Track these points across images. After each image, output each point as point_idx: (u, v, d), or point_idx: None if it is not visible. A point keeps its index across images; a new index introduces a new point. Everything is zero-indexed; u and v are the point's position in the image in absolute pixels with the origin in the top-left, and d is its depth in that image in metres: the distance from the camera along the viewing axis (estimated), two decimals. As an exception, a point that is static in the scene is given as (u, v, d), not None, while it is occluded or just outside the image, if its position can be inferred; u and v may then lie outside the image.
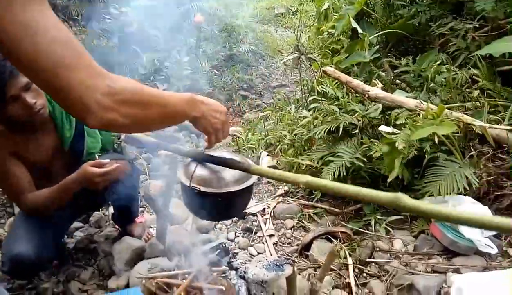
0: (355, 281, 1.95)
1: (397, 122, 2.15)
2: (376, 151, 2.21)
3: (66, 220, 2.09)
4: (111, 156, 1.94)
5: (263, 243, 2.36)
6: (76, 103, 0.79)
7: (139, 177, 2.22)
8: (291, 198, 2.70)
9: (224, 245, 2.05)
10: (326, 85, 2.71)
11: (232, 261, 2.00)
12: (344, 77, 2.54)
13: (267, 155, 3.09)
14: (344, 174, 2.24)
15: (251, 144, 3.32)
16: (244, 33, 6.06)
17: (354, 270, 2.00)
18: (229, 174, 1.40)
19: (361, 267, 1.99)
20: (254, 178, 1.45)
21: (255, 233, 2.45)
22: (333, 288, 1.95)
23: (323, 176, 2.30)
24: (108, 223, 2.78)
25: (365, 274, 1.98)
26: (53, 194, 1.81)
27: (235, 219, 2.61)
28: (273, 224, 2.50)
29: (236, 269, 1.96)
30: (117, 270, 2.03)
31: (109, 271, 2.18)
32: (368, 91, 2.31)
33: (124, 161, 1.95)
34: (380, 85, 2.34)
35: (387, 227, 2.18)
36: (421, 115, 2.06)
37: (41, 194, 1.82)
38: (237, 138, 3.62)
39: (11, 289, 2.14)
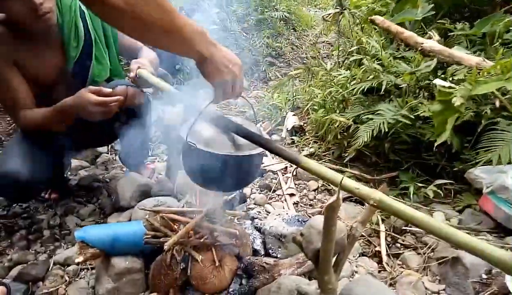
0: (387, 250, 1.69)
1: (455, 78, 1.85)
2: (424, 111, 1.92)
3: (65, 148, 1.88)
4: (121, 82, 1.71)
5: (282, 201, 2.11)
6: None
7: (151, 112, 1.99)
8: (317, 160, 2.43)
9: (241, 191, 1.81)
10: (371, 39, 2.40)
11: (249, 210, 1.76)
12: (394, 27, 2.24)
13: (293, 115, 2.83)
14: (385, 132, 1.96)
15: (277, 102, 3.05)
16: (277, 1, 5.74)
17: (386, 239, 1.74)
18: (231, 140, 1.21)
19: (395, 235, 1.73)
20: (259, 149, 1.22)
21: (274, 190, 2.21)
22: (360, 255, 1.70)
23: (359, 135, 2.03)
24: (115, 165, 2.59)
25: (398, 244, 1.72)
26: (49, 114, 1.62)
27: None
28: (295, 184, 2.24)
29: (252, 219, 1.72)
30: (120, 206, 1.82)
31: (111, 210, 1.98)
32: (422, 43, 2.00)
33: (135, 89, 1.72)
34: (437, 37, 2.03)
35: (427, 196, 1.90)
36: (484, 73, 1.76)
37: (37, 112, 1.65)
38: (261, 99, 3.36)
39: (5, 216, 1.97)
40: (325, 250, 0.98)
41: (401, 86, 2.23)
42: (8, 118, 2.87)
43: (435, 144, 1.82)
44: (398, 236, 1.72)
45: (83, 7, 1.71)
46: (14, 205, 2.05)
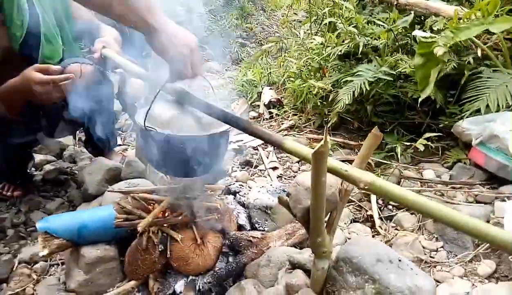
0: (379, 213, 1.60)
1: (434, 29, 1.77)
2: (405, 68, 1.83)
3: (21, 137, 1.71)
4: (74, 60, 1.55)
5: (265, 176, 2.00)
6: None
7: (113, 91, 1.83)
8: (298, 132, 2.33)
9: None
10: (342, 3, 2.29)
11: (230, 185, 1.63)
12: (368, -17, 2.14)
13: (270, 89, 2.71)
14: (366, 94, 1.86)
15: (251, 78, 2.92)
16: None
17: (377, 202, 1.65)
18: (197, 116, 1.12)
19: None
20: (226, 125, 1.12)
21: (256, 166, 2.09)
22: (351, 222, 1.61)
23: (339, 99, 1.92)
24: (83, 157, 2.41)
25: (390, 206, 1.64)
26: None
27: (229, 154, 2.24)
28: (277, 158, 2.13)
29: (234, 194, 1.60)
30: (88, 194, 1.66)
31: (80, 201, 1.82)
32: (398, -3, 1.91)
33: (90, 66, 1.56)
34: (412, -10, 1.94)
35: (415, 156, 1.82)
36: (465, 19, 1.68)
37: None
38: (235, 79, 3.22)
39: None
40: (315, 208, 0.87)
41: (379, 46, 2.14)
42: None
43: (419, 100, 1.74)
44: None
45: None
46: (-28, 206, 1.86)
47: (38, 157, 2.31)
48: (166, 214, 1.29)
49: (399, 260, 0.97)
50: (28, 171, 2.09)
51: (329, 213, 0.97)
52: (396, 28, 1.99)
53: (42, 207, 1.86)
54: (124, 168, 1.66)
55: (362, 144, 1.99)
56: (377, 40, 2.18)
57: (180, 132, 1.09)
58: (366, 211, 1.63)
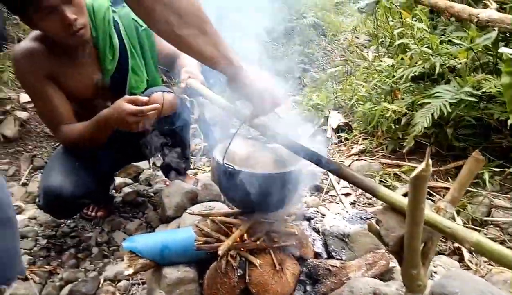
0: (467, 245, 1.47)
1: (524, 47, 1.64)
2: (490, 87, 1.71)
3: (107, 162, 1.84)
4: (156, 89, 1.66)
5: (337, 202, 1.94)
6: None
7: (190, 119, 1.92)
8: (369, 157, 2.25)
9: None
10: (414, 23, 2.22)
11: (304, 210, 1.61)
12: (443, 2, 2.05)
13: (337, 112, 2.67)
14: (445, 117, 1.76)
15: (317, 103, 2.90)
16: (305, 9, 5.67)
17: (464, 232, 1.52)
18: (272, 154, 1.19)
19: (476, 228, 1.51)
20: (301, 163, 1.18)
21: (327, 192, 2.05)
22: (436, 254, 1.49)
23: (416, 122, 1.83)
24: (158, 180, 2.54)
25: (480, 238, 1.50)
26: (87, 128, 1.58)
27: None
28: (349, 183, 2.07)
29: (309, 219, 1.57)
30: (167, 216, 1.73)
31: (157, 223, 1.91)
32: (478, 14, 1.80)
33: (171, 95, 1.65)
34: (495, 5, 1.83)
35: (504, 184, 1.67)
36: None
37: (76, 127, 1.62)
38: (300, 104, 3.23)
39: (54, 236, 1.94)
40: (411, 236, 0.81)
41: (456, 67, 2.03)
42: (53, 143, 2.92)
43: (509, 122, 1.61)
44: (480, 229, 1.50)
45: (117, 19, 1.68)
46: (62, 225, 2.02)
47: (117, 180, 2.47)
48: (244, 239, 1.29)
49: (506, 299, 0.87)
50: (110, 193, 2.23)
51: (424, 243, 0.91)
52: (476, 46, 1.88)
53: (122, 227, 1.97)
54: (200, 191, 1.71)
55: (441, 170, 1.88)
56: (453, 60, 2.08)
57: (257, 169, 1.12)
58: (452, 243, 1.50)
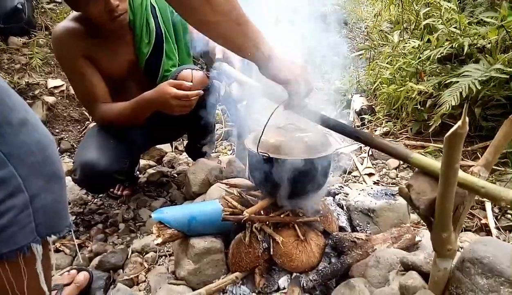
0: (496, 223, 1.45)
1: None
2: (522, 65, 1.66)
3: (141, 142, 1.88)
4: (186, 67, 1.67)
5: (360, 182, 1.94)
6: None
7: (217, 101, 1.93)
8: (394, 139, 2.23)
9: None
10: (442, 3, 2.17)
11: (329, 186, 1.61)
12: (473, -21, 2.00)
13: (360, 96, 2.64)
14: (473, 95, 1.72)
15: (339, 88, 2.88)
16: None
17: (492, 210, 1.50)
18: (302, 143, 1.19)
19: (504, 205, 1.48)
20: (333, 147, 1.26)
21: (350, 172, 2.04)
22: (462, 231, 1.47)
23: (444, 100, 1.80)
24: (181, 162, 2.58)
25: (509, 216, 1.47)
26: (128, 108, 1.62)
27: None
28: (372, 164, 2.06)
29: (333, 195, 1.57)
30: (192, 192, 1.76)
31: (182, 201, 1.94)
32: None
33: (201, 73, 1.66)
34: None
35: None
36: None
37: (115, 106, 1.66)
38: (321, 89, 3.21)
39: (82, 213, 2.00)
40: (443, 198, 0.81)
41: (485, 47, 1.98)
42: (79, 126, 3.00)
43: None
44: (508, 206, 1.47)
45: (154, 3, 1.71)
46: (89, 203, 2.08)
47: (141, 162, 2.52)
48: (270, 213, 1.30)
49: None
50: (134, 173, 2.28)
51: (455, 208, 0.90)
52: (508, 24, 1.82)
53: (148, 205, 2.02)
54: (225, 167, 1.73)
55: (468, 151, 1.84)
56: (482, 40, 2.02)
57: (289, 156, 1.15)
58: (480, 219, 1.48)
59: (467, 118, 0.70)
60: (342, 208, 1.51)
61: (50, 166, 0.74)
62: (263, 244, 1.27)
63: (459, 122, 0.69)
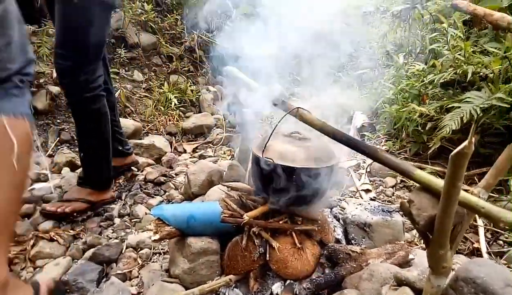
0: (487, 248, 1.47)
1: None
2: (523, 96, 1.71)
3: None
4: None
5: (356, 198, 1.96)
6: None
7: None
8: (391, 158, 2.25)
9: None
10: (448, 30, 2.22)
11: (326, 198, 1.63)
12: (482, 9, 2.03)
13: (362, 113, 2.68)
14: (475, 118, 1.76)
15: (341, 104, 2.91)
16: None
17: (485, 235, 1.52)
18: (307, 152, 1.24)
19: (496, 230, 1.51)
20: (336, 159, 1.31)
21: (347, 187, 2.06)
22: (456, 253, 1.49)
23: (444, 124, 1.84)
24: (180, 163, 2.59)
25: (501, 241, 1.50)
26: None
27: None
28: (370, 180, 2.08)
29: (331, 208, 1.59)
30: (191, 192, 1.77)
31: (179, 201, 1.95)
32: (516, 23, 1.80)
33: None
34: (534, 16, 1.82)
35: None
36: None
37: None
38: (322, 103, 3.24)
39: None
40: (443, 216, 0.83)
41: (488, 75, 2.03)
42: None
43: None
44: (501, 231, 1.50)
45: None
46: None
47: (140, 160, 2.53)
48: (269, 219, 1.32)
49: (531, 289, 0.88)
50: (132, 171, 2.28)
51: (454, 227, 0.92)
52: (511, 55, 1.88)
53: (144, 203, 2.02)
54: (227, 171, 1.75)
55: (464, 176, 1.87)
56: (485, 69, 2.07)
57: (294, 164, 1.19)
58: (472, 243, 1.51)
59: (473, 139, 0.73)
60: (338, 220, 1.53)
61: None
62: (260, 249, 1.28)
63: (466, 142, 0.72)
